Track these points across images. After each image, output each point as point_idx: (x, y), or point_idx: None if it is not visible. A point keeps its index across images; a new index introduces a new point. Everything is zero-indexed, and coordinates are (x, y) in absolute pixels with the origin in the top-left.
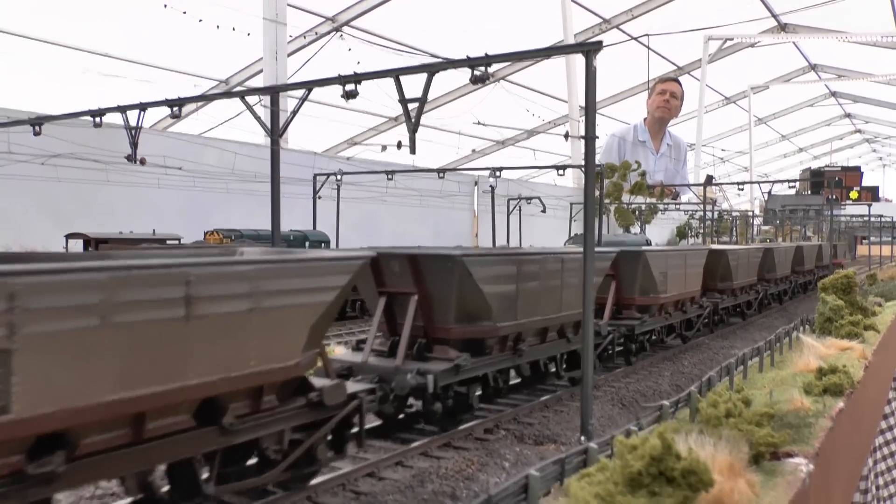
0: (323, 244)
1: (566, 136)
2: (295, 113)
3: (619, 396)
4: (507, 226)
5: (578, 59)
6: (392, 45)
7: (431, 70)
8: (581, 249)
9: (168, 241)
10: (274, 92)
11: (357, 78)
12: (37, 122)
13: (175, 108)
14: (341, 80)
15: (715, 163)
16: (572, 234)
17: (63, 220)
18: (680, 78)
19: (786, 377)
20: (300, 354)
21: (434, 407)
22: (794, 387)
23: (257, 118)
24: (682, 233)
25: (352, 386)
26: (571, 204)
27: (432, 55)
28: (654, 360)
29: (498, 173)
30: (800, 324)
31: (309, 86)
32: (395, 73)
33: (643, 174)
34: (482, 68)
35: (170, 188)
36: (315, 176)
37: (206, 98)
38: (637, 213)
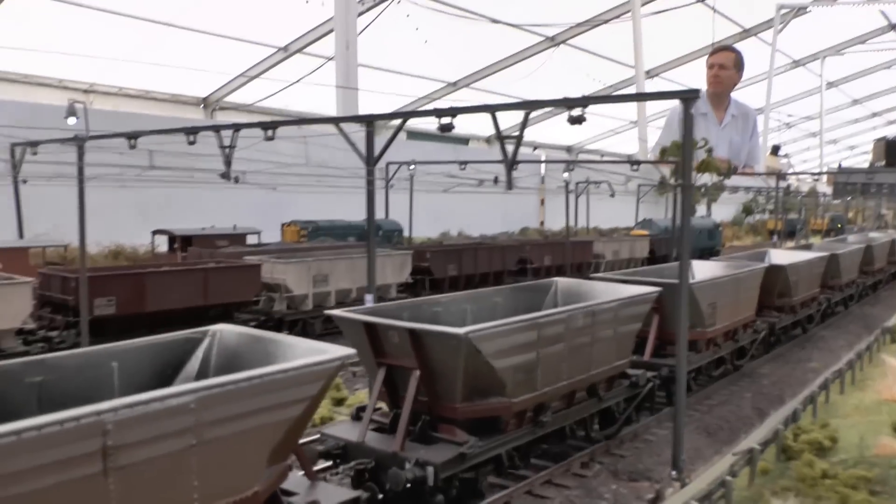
0: (396, 233)
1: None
2: (389, 143)
3: (703, 424)
4: (576, 209)
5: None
6: (450, 11)
7: (529, 108)
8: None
9: (248, 236)
10: (369, 121)
11: (453, 112)
12: (133, 136)
13: (269, 131)
14: (437, 112)
15: (780, 128)
16: (639, 220)
17: (151, 218)
18: (748, 40)
19: (870, 405)
20: (259, 480)
21: (436, 500)
22: (881, 421)
23: (353, 145)
24: (747, 209)
25: (330, 495)
26: (640, 185)
27: (492, 19)
28: (732, 379)
29: (571, 167)
30: (881, 335)
31: (405, 116)
32: (492, 110)
33: (710, 150)
34: (579, 110)
35: (249, 186)
36: (388, 164)
37: (302, 122)
38: (703, 191)
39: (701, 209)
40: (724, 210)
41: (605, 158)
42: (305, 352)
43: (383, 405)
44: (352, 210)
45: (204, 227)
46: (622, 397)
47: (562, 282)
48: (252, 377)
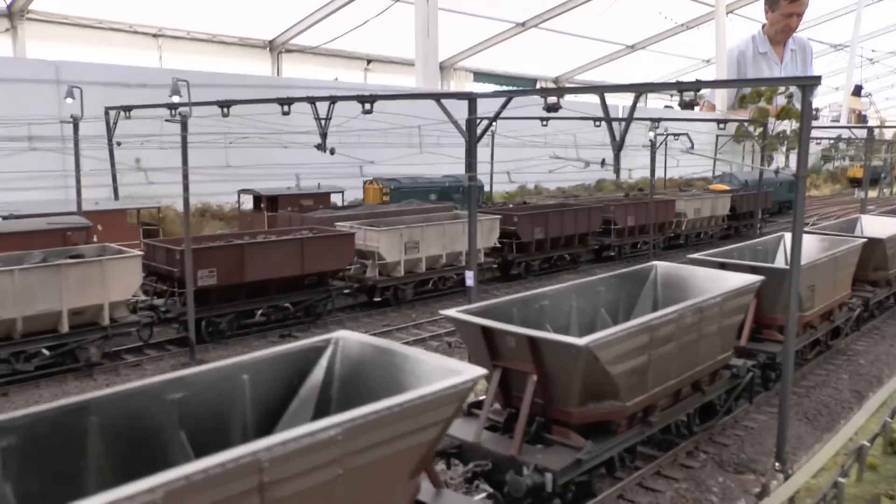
0: (477, 189)
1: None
2: (492, 122)
3: (802, 409)
4: (653, 162)
5: None
6: None
7: (639, 90)
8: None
9: (332, 194)
10: (471, 98)
11: (560, 91)
12: (226, 105)
13: (366, 105)
14: (544, 92)
15: (863, 64)
16: (718, 173)
17: (233, 176)
18: None
19: None
20: (399, 499)
21: None
22: None
23: (454, 122)
24: (826, 156)
25: None
26: (717, 136)
27: None
28: (826, 357)
29: (657, 124)
30: None
31: (510, 95)
32: (601, 91)
33: (790, 96)
34: (691, 93)
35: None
36: (468, 120)
37: (401, 97)
38: (782, 138)
39: (778, 159)
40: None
41: (692, 116)
42: (434, 368)
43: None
44: (431, 165)
45: (289, 186)
46: (724, 389)
47: (661, 267)
48: (393, 406)
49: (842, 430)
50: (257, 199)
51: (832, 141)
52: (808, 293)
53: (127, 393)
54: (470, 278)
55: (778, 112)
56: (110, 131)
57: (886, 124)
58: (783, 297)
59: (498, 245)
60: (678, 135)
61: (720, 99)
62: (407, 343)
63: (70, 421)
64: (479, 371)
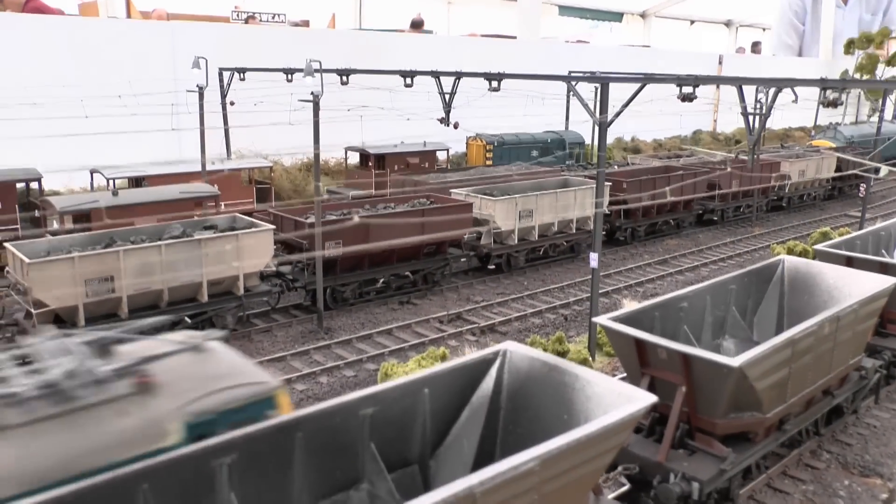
0: (578, 145)
1: None
2: (625, 106)
3: None
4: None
5: None
6: None
7: (777, 85)
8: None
9: (438, 152)
10: (604, 82)
11: (696, 82)
12: (347, 73)
13: (493, 82)
14: (679, 80)
15: None
16: (820, 127)
17: (342, 136)
18: None
19: None
20: None
21: None
22: None
23: (584, 104)
24: None
25: None
26: (822, 89)
27: None
28: None
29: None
30: None
31: (645, 81)
32: (739, 83)
33: None
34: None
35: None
36: (570, 72)
37: (530, 77)
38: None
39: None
40: None
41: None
42: (606, 392)
43: None
44: (529, 119)
45: (395, 143)
46: (852, 391)
47: (788, 262)
48: (581, 437)
49: None
50: (364, 156)
51: None
52: None
53: (328, 410)
54: (594, 260)
55: (890, 58)
56: (224, 91)
57: None
58: None
59: (608, 213)
60: (782, 83)
61: (824, 47)
62: (524, 316)
63: (280, 437)
64: (651, 398)
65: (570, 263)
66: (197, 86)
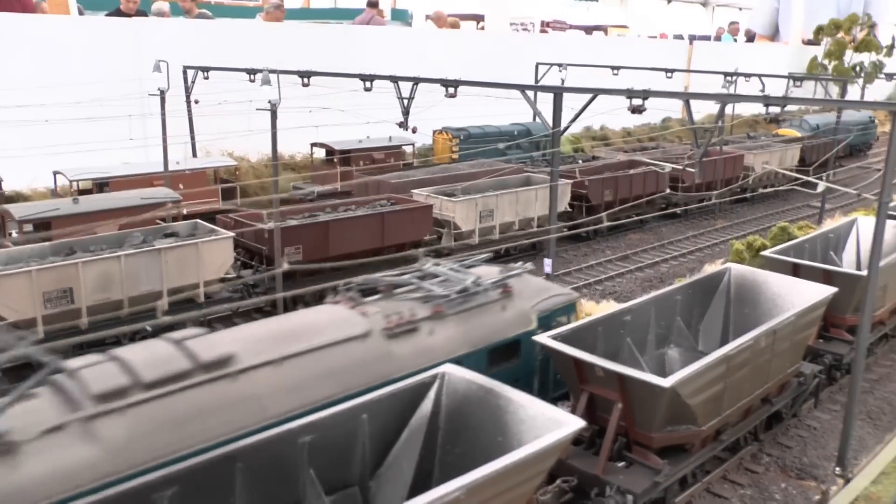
0: (545, 136)
1: None
2: (578, 115)
3: (865, 408)
4: (694, 133)
5: None
6: None
7: (725, 101)
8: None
9: (403, 147)
10: (556, 92)
11: (646, 95)
12: (307, 75)
13: (449, 88)
14: (629, 93)
15: None
16: (791, 119)
17: (312, 132)
18: None
19: None
20: None
21: None
22: None
23: (537, 113)
24: None
25: None
26: (790, 74)
27: None
28: (893, 344)
29: (730, 78)
30: None
31: (594, 92)
32: (686, 97)
33: (872, 26)
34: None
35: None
36: (537, 65)
37: (485, 84)
38: (859, 71)
39: (853, 91)
40: (880, 89)
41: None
42: (537, 415)
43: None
44: (497, 113)
45: (360, 139)
46: (791, 397)
47: (735, 271)
48: (507, 464)
49: None
50: (330, 152)
51: None
52: (880, 293)
53: (267, 440)
54: (548, 266)
55: (857, 45)
56: (188, 90)
57: None
58: (854, 299)
59: (568, 209)
60: (749, 75)
61: (795, 33)
62: None
63: (221, 468)
64: (579, 424)
65: (532, 261)
66: (158, 89)
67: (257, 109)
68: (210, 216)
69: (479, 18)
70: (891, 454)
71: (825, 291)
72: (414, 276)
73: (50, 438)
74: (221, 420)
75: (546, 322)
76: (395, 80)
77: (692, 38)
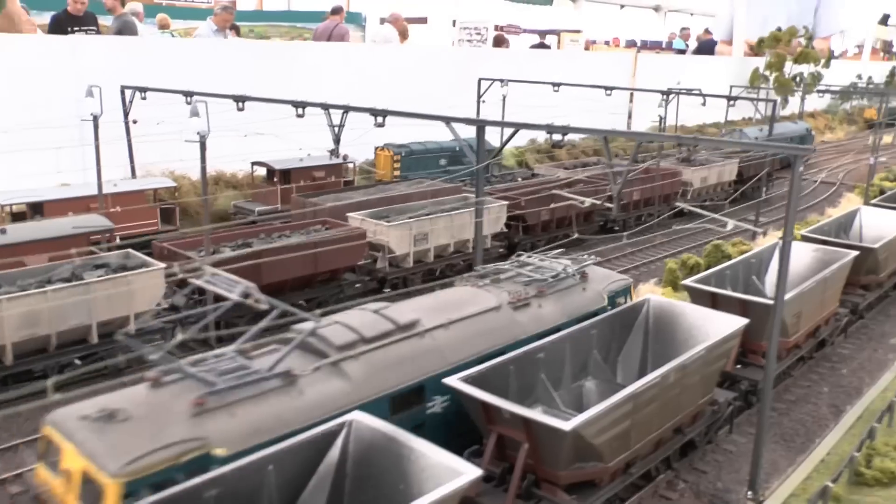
0: (487, 152)
1: None
2: (501, 148)
3: (780, 430)
4: (665, 114)
5: None
6: None
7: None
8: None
9: (344, 164)
10: (480, 125)
11: (565, 129)
12: (241, 99)
13: (378, 118)
14: (549, 128)
15: None
16: (726, 131)
17: (250, 152)
18: None
19: None
20: None
21: None
22: None
23: (462, 145)
24: (846, 95)
25: None
26: (731, 87)
27: None
28: (811, 365)
29: (665, 96)
30: None
31: (516, 126)
32: (604, 134)
33: (810, 38)
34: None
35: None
36: (480, 80)
37: (413, 115)
38: (798, 81)
39: (794, 102)
40: (818, 99)
41: (705, 93)
42: (436, 464)
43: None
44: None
45: (301, 157)
46: (705, 426)
47: (653, 302)
48: None
49: (813, 452)
50: (270, 171)
51: (857, 80)
52: (794, 320)
53: (171, 497)
54: None
55: (796, 57)
56: (126, 109)
57: None
58: (769, 326)
59: (505, 230)
60: (691, 90)
61: (737, 44)
62: None
63: None
64: (477, 472)
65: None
66: (91, 114)
67: (186, 141)
68: (150, 238)
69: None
70: (801, 476)
71: (737, 323)
72: (514, 266)
73: (315, 374)
74: (417, 366)
75: (612, 300)
76: (325, 107)
77: (644, 44)
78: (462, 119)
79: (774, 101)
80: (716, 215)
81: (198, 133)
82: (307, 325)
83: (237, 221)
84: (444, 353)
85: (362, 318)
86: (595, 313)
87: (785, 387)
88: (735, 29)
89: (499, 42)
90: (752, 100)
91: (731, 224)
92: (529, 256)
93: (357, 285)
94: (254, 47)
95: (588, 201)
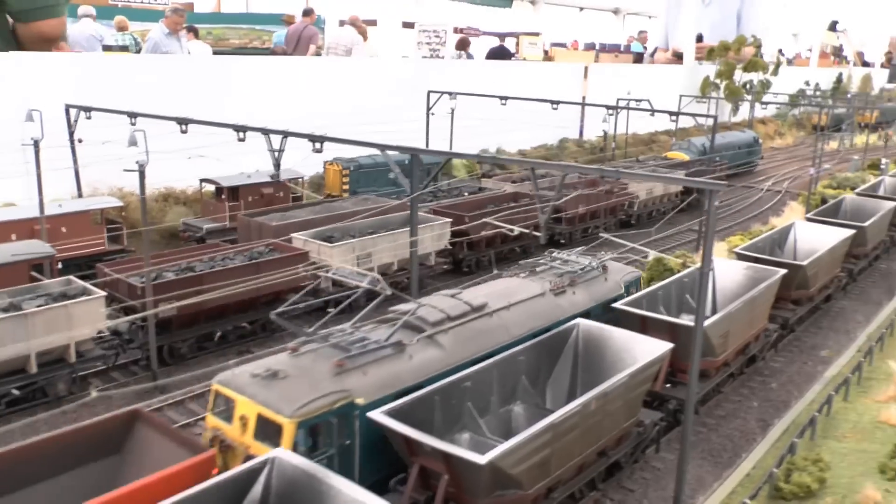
0: (436, 165)
1: None
2: (433, 178)
3: (709, 447)
4: (615, 126)
5: None
6: None
7: (567, 171)
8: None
9: (291, 182)
10: (414, 153)
11: (493, 160)
12: (184, 122)
13: (316, 144)
14: (479, 158)
15: None
16: (675, 142)
17: (200, 168)
18: None
19: (867, 426)
20: None
21: None
22: (873, 452)
23: (397, 174)
24: (794, 101)
25: None
26: (681, 96)
27: None
28: (742, 380)
29: (611, 111)
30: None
31: (448, 156)
32: (532, 166)
33: (759, 46)
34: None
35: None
36: (429, 93)
37: (349, 142)
38: (748, 88)
39: (744, 109)
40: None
41: (655, 108)
42: (351, 501)
43: None
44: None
45: (249, 174)
46: (630, 447)
47: (583, 326)
48: None
49: (739, 467)
50: (219, 188)
51: (806, 87)
52: (721, 340)
53: None
54: None
55: (745, 65)
56: (71, 129)
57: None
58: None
59: (449, 246)
60: (640, 100)
61: (687, 53)
62: None
63: None
64: None
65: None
66: (32, 139)
67: (125, 170)
68: (97, 258)
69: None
70: (726, 491)
71: (662, 348)
72: (547, 261)
73: (418, 344)
74: (489, 338)
75: (627, 289)
76: (265, 132)
77: (603, 47)
78: (396, 147)
79: (715, 117)
80: (636, 245)
81: (137, 162)
82: (408, 306)
83: (180, 248)
84: (509, 329)
85: (446, 302)
86: (614, 300)
87: (717, 402)
88: (678, 36)
89: (463, 44)
90: (692, 115)
91: (651, 255)
92: (559, 254)
93: (300, 306)
94: (204, 62)
95: (517, 230)
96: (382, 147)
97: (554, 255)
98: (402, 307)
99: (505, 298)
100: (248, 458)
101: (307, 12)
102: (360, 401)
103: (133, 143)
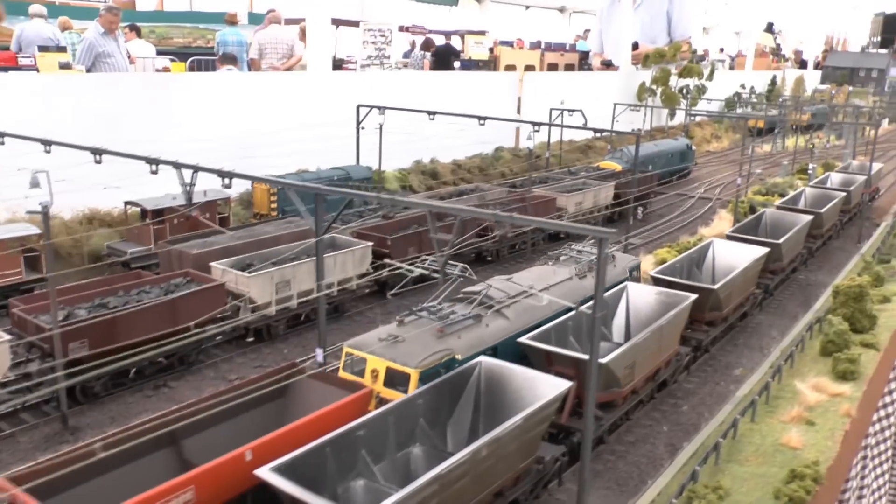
0: (366, 181)
1: None
2: (337, 216)
3: (615, 475)
4: (549, 135)
5: None
6: None
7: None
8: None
9: (220, 201)
10: (319, 193)
11: (394, 203)
12: (98, 152)
13: (225, 179)
14: (379, 198)
15: None
16: (610, 151)
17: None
18: None
19: (768, 449)
20: None
21: None
22: (771, 476)
23: (302, 212)
24: (729, 104)
25: None
26: (615, 105)
27: None
28: (655, 404)
29: (536, 128)
30: (805, 332)
31: (349, 195)
32: (429, 209)
33: (694, 52)
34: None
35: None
36: (358, 107)
37: (263, 180)
38: (685, 93)
39: (681, 114)
40: (706, 107)
41: (587, 118)
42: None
43: None
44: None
45: (175, 195)
46: (531, 485)
47: (485, 364)
48: None
49: (644, 495)
50: (143, 212)
51: (742, 90)
52: (627, 371)
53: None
54: (320, 355)
55: (680, 71)
56: None
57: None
58: (601, 380)
59: (372, 271)
60: (573, 111)
61: (624, 59)
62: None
63: None
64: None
65: (334, 324)
66: None
67: (28, 212)
68: (13, 288)
69: (340, 23)
70: None
71: (561, 386)
72: (567, 252)
73: (491, 316)
74: (539, 312)
75: (630, 273)
76: (177, 166)
77: (548, 45)
78: (298, 185)
79: (638, 135)
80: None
81: (40, 204)
82: (479, 287)
83: (97, 279)
84: (551, 305)
85: (505, 284)
86: (622, 282)
87: (627, 427)
88: (613, 35)
89: (428, 45)
90: (613, 132)
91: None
92: (576, 245)
93: (218, 337)
94: (125, 79)
95: (417, 271)
96: (287, 185)
97: (573, 247)
98: (474, 288)
99: (544, 281)
100: (381, 401)
101: (271, 11)
102: (458, 356)
103: (35, 185)
